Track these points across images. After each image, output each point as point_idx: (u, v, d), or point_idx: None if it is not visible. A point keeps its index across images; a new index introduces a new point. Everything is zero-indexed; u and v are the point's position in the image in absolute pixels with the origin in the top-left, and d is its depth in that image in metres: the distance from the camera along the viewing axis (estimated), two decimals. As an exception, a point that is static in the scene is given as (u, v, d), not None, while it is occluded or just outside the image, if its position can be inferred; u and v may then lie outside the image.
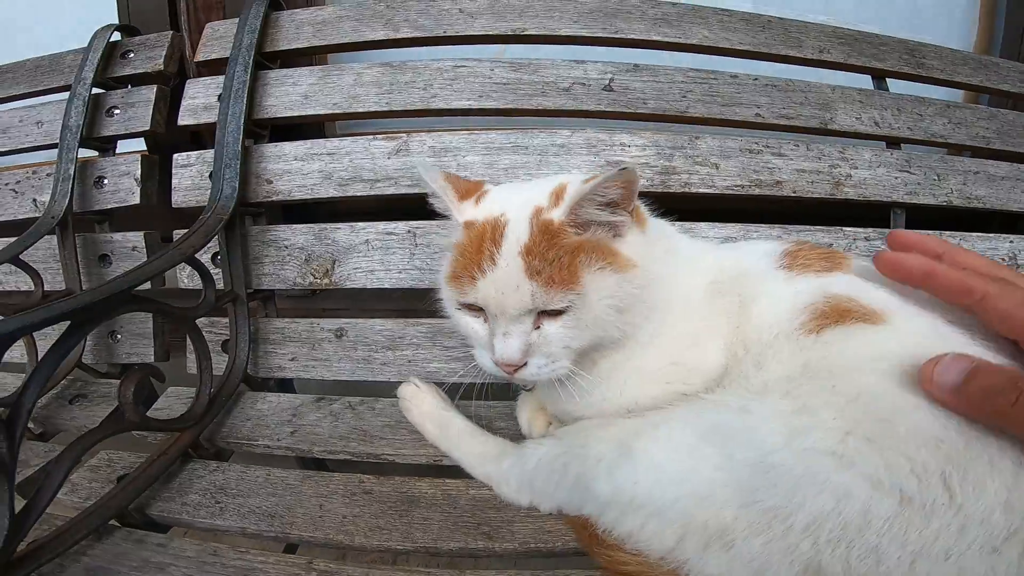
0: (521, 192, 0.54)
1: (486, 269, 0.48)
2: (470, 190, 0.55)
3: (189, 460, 0.68)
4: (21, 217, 0.89)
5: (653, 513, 0.47)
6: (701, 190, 0.82)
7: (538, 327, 0.50)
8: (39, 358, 0.53)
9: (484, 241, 0.49)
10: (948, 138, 0.86)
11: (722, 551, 0.44)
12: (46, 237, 0.81)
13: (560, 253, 0.47)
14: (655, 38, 0.86)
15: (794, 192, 0.83)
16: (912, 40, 0.91)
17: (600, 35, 0.86)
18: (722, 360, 0.53)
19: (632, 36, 0.86)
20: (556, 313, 0.49)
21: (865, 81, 0.91)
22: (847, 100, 0.87)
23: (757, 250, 0.58)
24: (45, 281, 0.81)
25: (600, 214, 0.48)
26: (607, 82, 0.84)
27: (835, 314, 0.48)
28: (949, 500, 0.38)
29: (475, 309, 0.52)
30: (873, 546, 0.38)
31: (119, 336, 0.86)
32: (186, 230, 0.72)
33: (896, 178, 0.84)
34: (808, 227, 0.81)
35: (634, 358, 0.54)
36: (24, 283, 0.87)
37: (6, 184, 0.90)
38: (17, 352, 0.86)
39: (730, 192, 0.82)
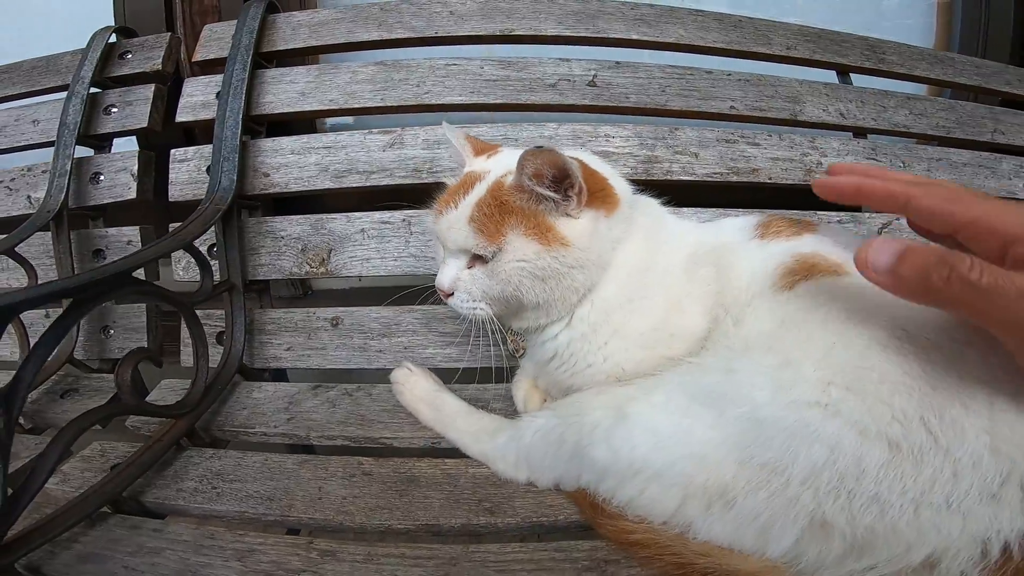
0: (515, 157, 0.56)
1: (449, 209, 0.53)
2: (485, 148, 0.60)
3: (184, 449, 0.64)
4: (15, 214, 0.85)
5: (652, 477, 0.45)
6: (682, 178, 0.82)
7: (470, 268, 0.54)
8: (31, 346, 0.51)
9: (461, 188, 0.54)
10: (910, 128, 0.88)
11: (725, 510, 0.43)
12: (39, 234, 0.78)
13: (496, 211, 0.51)
14: (634, 37, 0.87)
15: (769, 179, 0.83)
16: (872, 37, 0.93)
17: (583, 35, 0.86)
18: (703, 324, 0.53)
19: (613, 35, 0.86)
20: (484, 261, 0.53)
21: (830, 76, 0.92)
22: (814, 93, 0.88)
23: (733, 225, 0.59)
24: (39, 276, 0.77)
25: (531, 185, 0.50)
26: (591, 78, 0.84)
27: (803, 270, 0.49)
28: (934, 444, 0.37)
29: None
30: (873, 495, 0.37)
31: (111, 331, 0.82)
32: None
33: (864, 165, 0.86)
34: (784, 211, 0.82)
35: (611, 324, 0.54)
36: (15, 279, 0.84)
37: (0, 182, 0.87)
38: (7, 350, 0.83)
39: (709, 180, 0.82)
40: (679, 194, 0.78)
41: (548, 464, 0.53)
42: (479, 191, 0.53)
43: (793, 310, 0.47)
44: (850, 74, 0.92)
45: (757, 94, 0.87)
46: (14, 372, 0.45)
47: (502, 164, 0.55)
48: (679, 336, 0.53)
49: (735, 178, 0.83)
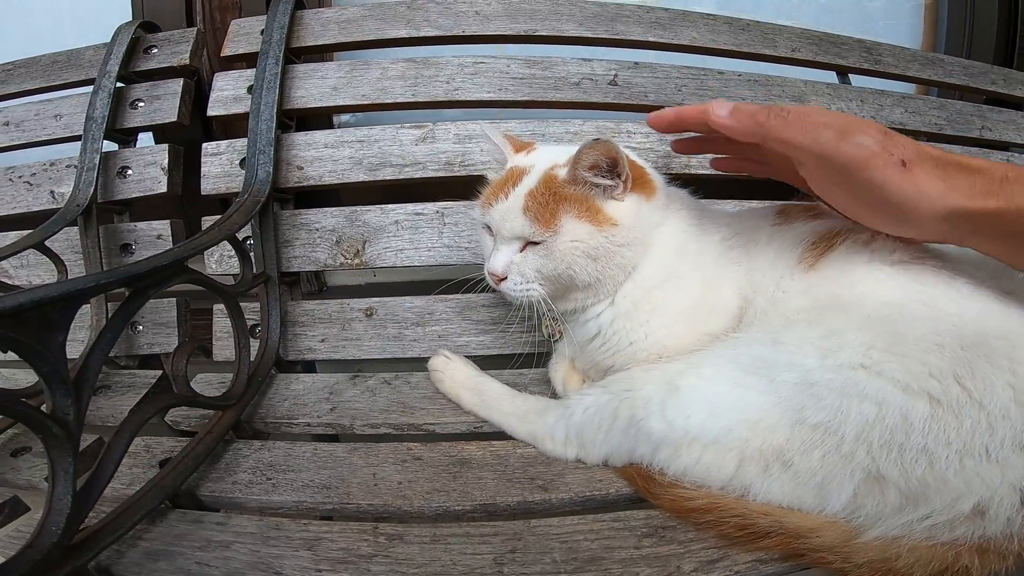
0: (557, 152, 0.58)
1: (500, 200, 0.55)
2: (523, 146, 0.62)
3: (231, 442, 0.62)
4: (36, 209, 0.81)
5: (709, 443, 0.46)
6: (699, 172, 0.83)
7: (522, 252, 0.55)
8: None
9: (508, 180, 0.56)
10: (906, 125, 0.90)
11: (782, 471, 0.44)
12: (64, 229, 0.74)
13: (550, 199, 0.53)
14: (651, 39, 0.88)
15: (780, 174, 0.85)
16: (869, 40, 0.96)
17: (603, 36, 0.86)
18: (736, 302, 0.55)
19: (631, 37, 0.87)
20: (536, 246, 0.54)
21: (831, 77, 0.95)
22: (817, 93, 0.90)
23: (756, 212, 0.62)
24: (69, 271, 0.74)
25: (587, 175, 0.52)
26: (612, 77, 0.85)
27: (824, 241, 0.52)
28: (969, 398, 0.39)
29: (490, 231, 0.58)
30: (922, 447, 0.39)
31: (140, 327, 0.79)
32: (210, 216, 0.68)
33: (864, 161, 0.89)
34: (794, 202, 0.84)
35: (652, 301, 0.56)
36: (37, 276, 0.80)
37: (20, 176, 0.82)
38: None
39: (725, 174, 0.84)
40: (698, 188, 0.79)
41: (601, 439, 0.53)
42: (529, 182, 0.55)
43: (825, 288, 0.49)
44: (849, 75, 0.94)
45: (765, 93, 0.89)
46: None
47: (546, 157, 0.57)
48: (716, 312, 0.55)
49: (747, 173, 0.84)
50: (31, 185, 0.81)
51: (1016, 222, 0.41)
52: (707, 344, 0.53)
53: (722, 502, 0.45)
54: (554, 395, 0.66)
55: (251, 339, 0.74)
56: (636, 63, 0.86)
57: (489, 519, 0.60)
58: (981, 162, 0.43)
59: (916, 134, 0.94)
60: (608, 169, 0.53)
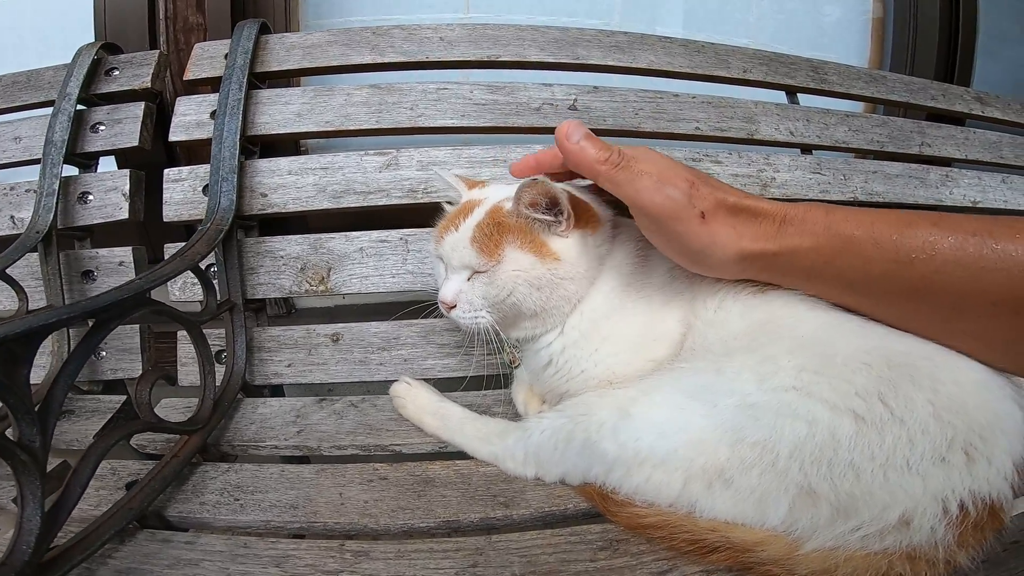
0: (509, 188, 0.61)
1: (451, 232, 0.59)
2: (475, 184, 0.66)
3: (199, 464, 0.65)
4: (-3, 235, 0.83)
5: (657, 464, 0.50)
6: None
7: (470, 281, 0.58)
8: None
9: (460, 214, 0.60)
10: (850, 143, 0.98)
11: (724, 488, 0.48)
12: (24, 256, 0.76)
13: (495, 231, 0.57)
14: (610, 63, 0.93)
15: (733, 193, 0.92)
16: (816, 58, 1.03)
17: (565, 60, 0.91)
18: (680, 329, 0.59)
19: (591, 61, 0.92)
20: (483, 274, 0.58)
21: (780, 97, 1.01)
22: (767, 114, 0.97)
23: None
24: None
25: (528, 212, 0.56)
26: (572, 102, 0.90)
27: None
28: (891, 415, 0.43)
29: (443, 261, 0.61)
30: (848, 462, 0.43)
31: (103, 353, 0.81)
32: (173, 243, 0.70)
33: (811, 179, 0.95)
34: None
35: (600, 332, 0.60)
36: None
37: (-22, 202, 0.83)
38: None
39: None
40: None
41: (557, 459, 0.58)
42: (478, 215, 0.59)
43: (765, 312, 0.54)
44: (797, 94, 1.02)
45: (718, 115, 0.95)
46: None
47: (497, 192, 0.62)
48: (661, 340, 0.59)
49: (703, 192, 0.90)
50: (-11, 211, 0.83)
51: (790, 261, 0.49)
52: (653, 369, 0.58)
53: (671, 519, 0.49)
54: (517, 415, 0.70)
55: (218, 364, 0.78)
56: (595, 87, 0.92)
57: (452, 535, 0.65)
58: (768, 206, 0.50)
59: (860, 151, 1.02)
60: (548, 207, 0.56)
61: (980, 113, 1.12)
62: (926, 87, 1.10)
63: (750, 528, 0.47)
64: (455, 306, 0.59)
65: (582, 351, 0.60)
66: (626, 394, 0.55)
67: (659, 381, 0.56)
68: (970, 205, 1.04)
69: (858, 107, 1.18)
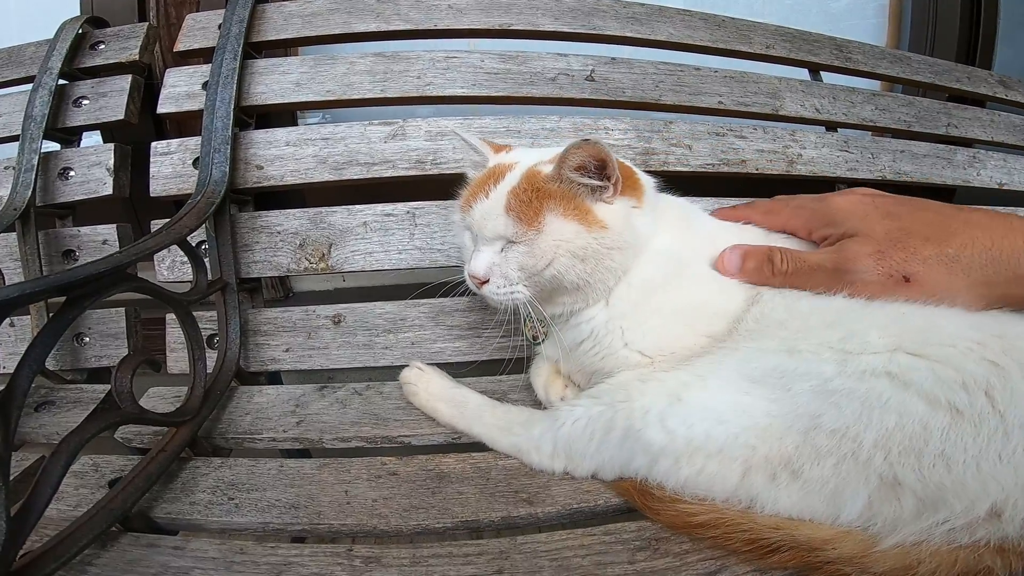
0: (540, 152, 0.57)
1: (481, 199, 0.53)
2: (501, 148, 0.60)
3: (189, 459, 0.58)
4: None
5: (712, 453, 0.45)
6: (677, 168, 0.82)
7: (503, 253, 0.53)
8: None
9: (489, 178, 0.54)
10: (876, 122, 0.92)
11: (791, 480, 0.42)
12: (1, 235, 0.69)
13: (533, 197, 0.51)
14: (627, 34, 0.87)
15: (756, 170, 0.85)
16: (839, 37, 0.98)
17: (580, 31, 0.85)
18: (743, 305, 0.54)
19: (607, 32, 0.86)
20: (520, 244, 0.52)
21: (803, 74, 0.96)
22: (791, 90, 0.91)
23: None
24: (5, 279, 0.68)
25: (574, 176, 0.51)
26: (589, 73, 0.84)
27: None
28: (991, 409, 0.39)
29: (471, 232, 0.56)
30: (940, 452, 0.39)
31: (86, 339, 0.74)
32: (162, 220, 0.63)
33: (838, 156, 0.89)
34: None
35: (653, 303, 0.54)
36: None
37: (-47, 180, 0.76)
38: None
39: (703, 170, 0.83)
40: (676, 184, 0.79)
41: (592, 451, 0.51)
42: (511, 180, 0.53)
43: None
44: (820, 72, 0.96)
45: (742, 90, 0.89)
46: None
47: (529, 155, 0.56)
48: (721, 315, 0.54)
49: (726, 169, 0.84)
50: (-35, 188, 0.75)
51: None
52: (705, 346, 0.52)
53: (728, 516, 0.43)
54: (535, 402, 0.64)
55: (209, 349, 0.71)
56: (613, 58, 0.86)
57: (472, 537, 0.57)
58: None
59: (884, 130, 0.97)
60: (596, 171, 0.51)
61: (1004, 96, 1.07)
62: (951, 69, 1.05)
63: (819, 524, 0.41)
64: (487, 281, 0.53)
65: (630, 322, 0.54)
66: (677, 377, 0.50)
67: (716, 363, 0.50)
68: (996, 187, 0.99)
69: (875, 87, 1.13)
